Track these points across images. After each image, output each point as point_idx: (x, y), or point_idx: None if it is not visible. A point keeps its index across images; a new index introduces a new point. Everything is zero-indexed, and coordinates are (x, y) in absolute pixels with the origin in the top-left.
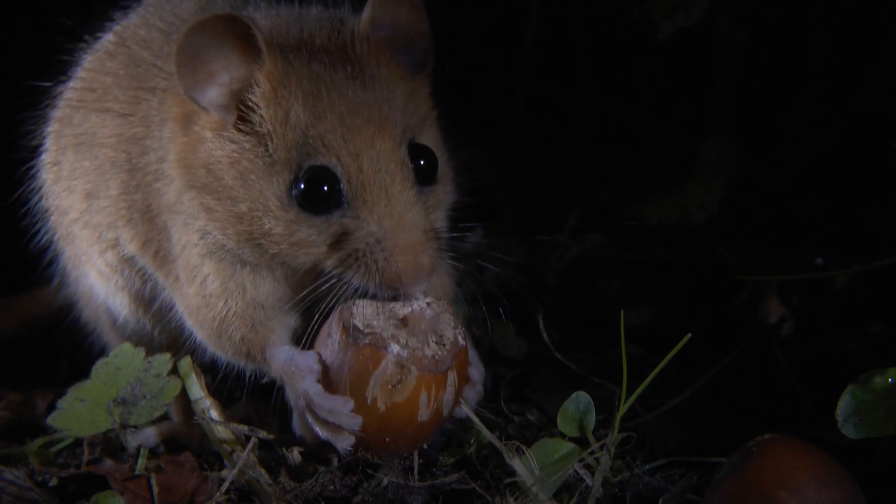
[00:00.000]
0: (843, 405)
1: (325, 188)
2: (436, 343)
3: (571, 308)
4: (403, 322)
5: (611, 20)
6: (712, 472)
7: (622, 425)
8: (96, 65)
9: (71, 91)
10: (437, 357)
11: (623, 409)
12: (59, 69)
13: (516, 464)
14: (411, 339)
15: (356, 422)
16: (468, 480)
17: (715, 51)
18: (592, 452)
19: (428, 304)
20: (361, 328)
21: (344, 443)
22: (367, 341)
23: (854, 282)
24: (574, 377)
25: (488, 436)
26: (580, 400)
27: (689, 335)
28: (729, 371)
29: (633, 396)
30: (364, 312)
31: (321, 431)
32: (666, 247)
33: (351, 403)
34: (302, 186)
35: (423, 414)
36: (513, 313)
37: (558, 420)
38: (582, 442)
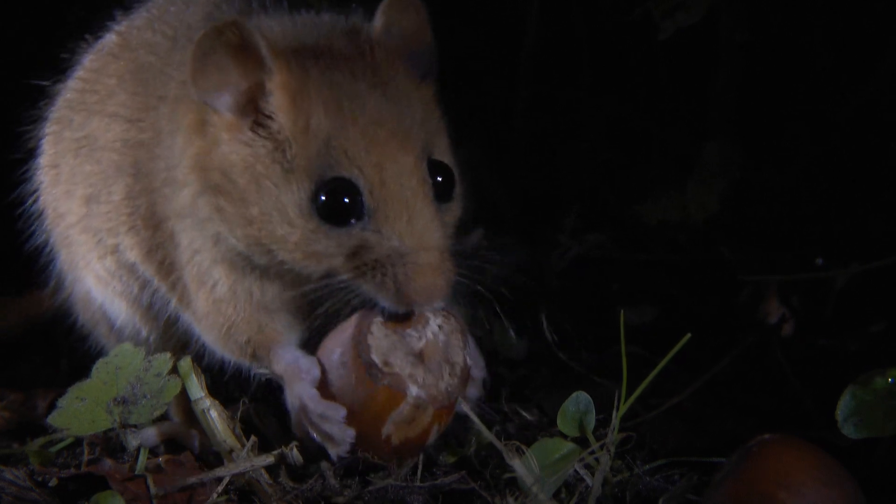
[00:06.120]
0: (843, 405)
1: (347, 200)
2: (449, 374)
3: (572, 308)
4: (420, 357)
5: (612, 19)
6: (712, 472)
7: (622, 425)
8: (99, 66)
9: (71, 92)
10: (449, 388)
11: (623, 408)
12: (58, 67)
13: (516, 464)
14: (428, 376)
15: (348, 433)
16: (468, 480)
17: (716, 50)
18: (592, 452)
19: (440, 326)
20: (380, 365)
21: (336, 450)
22: (386, 382)
23: (854, 282)
24: (574, 377)
25: (488, 436)
26: (580, 400)
27: (689, 335)
28: (729, 371)
29: (633, 396)
30: (381, 346)
31: (315, 436)
32: (666, 247)
33: (343, 411)
34: (323, 198)
35: (432, 439)
36: (513, 314)
37: (558, 420)
38: (582, 442)
